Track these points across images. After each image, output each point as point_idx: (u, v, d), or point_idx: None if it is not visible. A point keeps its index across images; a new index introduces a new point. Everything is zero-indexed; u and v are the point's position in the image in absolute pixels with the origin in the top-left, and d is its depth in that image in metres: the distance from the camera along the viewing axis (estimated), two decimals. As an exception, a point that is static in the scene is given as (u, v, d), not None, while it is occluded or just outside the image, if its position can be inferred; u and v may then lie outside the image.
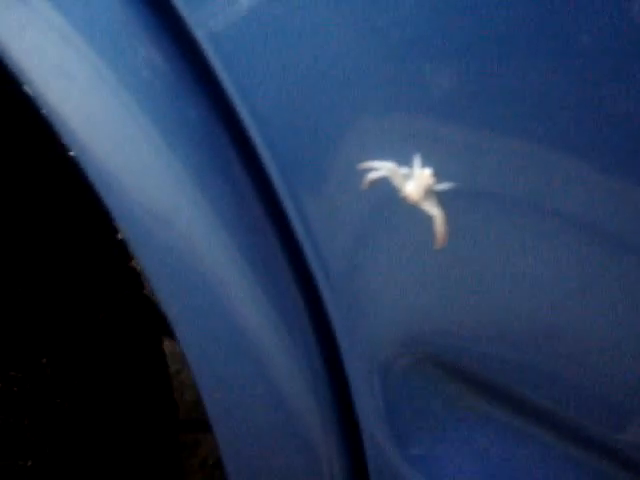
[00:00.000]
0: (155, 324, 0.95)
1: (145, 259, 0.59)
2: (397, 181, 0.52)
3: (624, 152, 0.50)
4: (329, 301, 0.57)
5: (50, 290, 0.83)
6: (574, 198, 0.52)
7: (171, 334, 0.96)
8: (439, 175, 0.51)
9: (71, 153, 0.58)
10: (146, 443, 0.95)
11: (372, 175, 0.52)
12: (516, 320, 0.56)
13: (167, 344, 0.98)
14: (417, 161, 0.51)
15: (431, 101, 0.51)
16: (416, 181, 0.51)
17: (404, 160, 0.52)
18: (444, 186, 0.52)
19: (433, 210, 0.52)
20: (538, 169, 0.52)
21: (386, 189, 0.52)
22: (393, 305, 0.56)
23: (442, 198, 0.52)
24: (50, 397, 0.84)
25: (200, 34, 0.53)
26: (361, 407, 0.59)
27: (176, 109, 0.56)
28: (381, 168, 0.52)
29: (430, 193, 0.52)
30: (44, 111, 0.56)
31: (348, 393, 0.61)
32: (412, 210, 0.52)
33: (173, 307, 0.60)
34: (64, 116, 0.56)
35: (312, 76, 0.51)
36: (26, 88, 0.56)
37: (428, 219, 0.52)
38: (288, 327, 0.60)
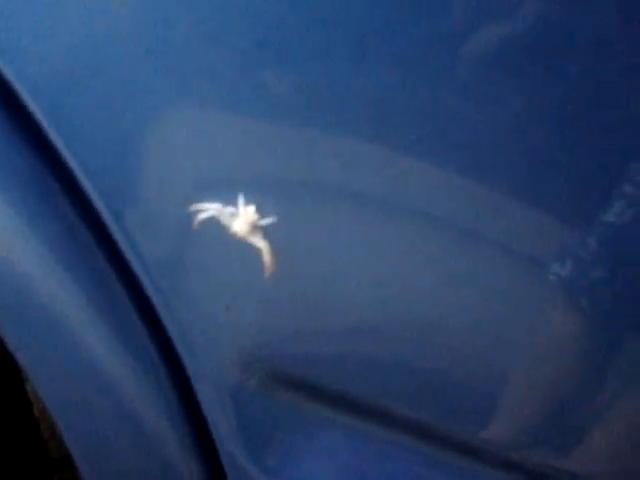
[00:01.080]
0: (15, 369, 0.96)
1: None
2: (225, 220, 0.57)
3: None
4: (172, 331, 0.62)
5: None
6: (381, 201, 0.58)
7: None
8: (262, 211, 0.57)
9: None
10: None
11: (201, 215, 0.57)
12: (338, 328, 0.62)
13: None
14: (241, 200, 0.57)
15: (247, 147, 0.57)
16: (242, 218, 0.57)
17: (231, 200, 0.57)
18: (267, 221, 0.57)
19: (259, 243, 0.57)
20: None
21: (217, 227, 0.57)
22: (232, 328, 0.62)
23: (267, 231, 0.57)
24: None
25: (19, 86, 0.57)
26: (214, 426, 0.64)
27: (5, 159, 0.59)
28: (209, 209, 0.57)
29: (256, 228, 0.57)
30: None
31: (204, 419, 0.66)
32: (242, 243, 0.57)
33: (21, 349, 0.63)
34: None
35: (133, 131, 0.56)
36: None
37: (257, 250, 0.58)
38: (135, 358, 0.64)
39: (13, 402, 0.97)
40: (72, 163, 0.57)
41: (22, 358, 0.65)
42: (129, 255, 0.61)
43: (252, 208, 0.57)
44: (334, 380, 0.64)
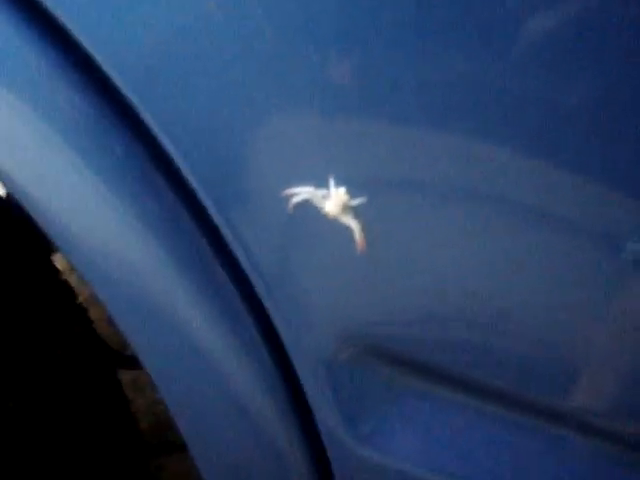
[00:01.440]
0: (109, 358, 1.01)
1: (104, 295, 0.67)
2: (317, 201, 0.61)
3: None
4: (271, 308, 0.65)
5: (12, 334, 0.89)
6: (474, 185, 0.62)
7: (124, 365, 1.03)
8: (352, 192, 0.61)
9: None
10: (114, 471, 1.02)
11: (295, 199, 0.61)
12: (432, 304, 0.65)
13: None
14: (332, 182, 0.61)
15: (336, 131, 0.60)
16: (333, 200, 0.61)
17: (322, 183, 0.61)
18: (357, 201, 0.61)
19: (351, 222, 0.61)
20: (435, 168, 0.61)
21: (310, 209, 0.61)
22: (328, 305, 0.65)
23: (358, 211, 0.61)
24: (15, 436, 0.90)
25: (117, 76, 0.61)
26: (312, 401, 0.68)
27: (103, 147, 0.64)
28: (302, 193, 0.61)
29: (347, 208, 0.61)
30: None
31: (302, 391, 0.69)
32: (335, 223, 0.61)
33: (137, 339, 0.68)
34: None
35: (233, 122, 0.60)
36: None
37: (349, 230, 0.61)
38: (241, 341, 0.68)
39: (110, 391, 1.02)
40: (175, 154, 0.61)
41: (136, 346, 0.69)
42: (231, 241, 0.64)
43: (343, 189, 0.61)
44: (427, 353, 0.67)
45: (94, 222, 0.64)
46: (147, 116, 0.61)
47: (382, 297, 0.64)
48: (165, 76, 0.60)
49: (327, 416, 0.68)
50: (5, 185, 0.65)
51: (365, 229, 0.61)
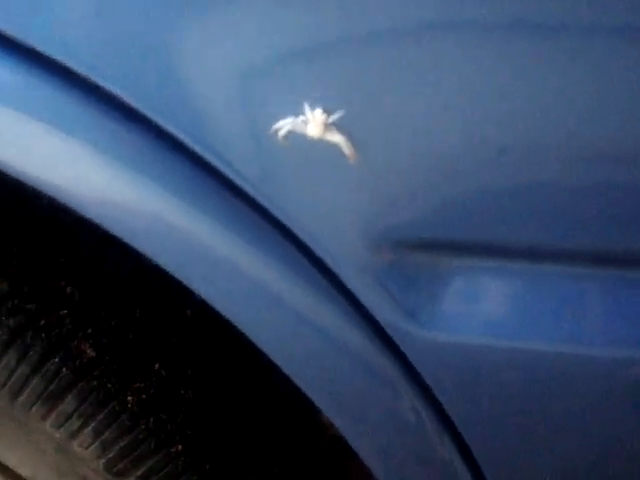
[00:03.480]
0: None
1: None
2: (300, 129, 0.65)
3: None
4: (307, 240, 0.71)
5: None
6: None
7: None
8: (329, 109, 0.65)
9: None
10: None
11: (281, 132, 0.66)
12: (441, 178, 0.68)
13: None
14: (307, 107, 0.65)
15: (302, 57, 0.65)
16: (313, 123, 0.65)
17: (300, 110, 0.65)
18: (335, 116, 0.65)
19: (335, 138, 0.65)
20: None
21: (297, 137, 0.66)
22: (350, 219, 0.70)
23: (339, 125, 0.65)
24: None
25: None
26: (371, 306, 0.73)
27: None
28: (284, 125, 0.65)
29: (327, 126, 0.65)
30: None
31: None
32: (323, 143, 0.65)
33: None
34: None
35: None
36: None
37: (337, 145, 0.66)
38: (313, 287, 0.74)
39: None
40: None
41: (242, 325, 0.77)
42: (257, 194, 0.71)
43: (318, 110, 0.65)
44: (460, 230, 0.71)
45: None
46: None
47: (394, 192, 0.68)
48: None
49: (389, 316, 0.73)
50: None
51: (352, 138, 0.65)
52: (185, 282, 0.74)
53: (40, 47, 0.67)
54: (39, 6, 0.66)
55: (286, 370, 0.78)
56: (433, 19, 0.63)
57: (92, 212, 0.72)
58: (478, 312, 0.73)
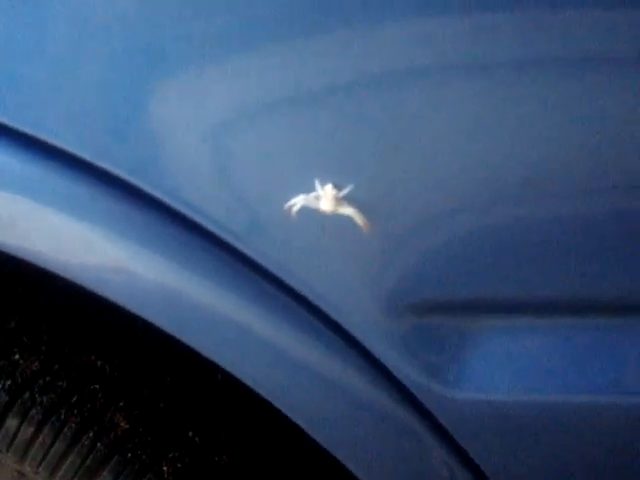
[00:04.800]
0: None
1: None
2: (313, 204, 0.66)
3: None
4: (333, 313, 0.72)
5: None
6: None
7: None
8: (339, 184, 0.66)
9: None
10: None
11: (294, 209, 0.67)
12: (455, 242, 0.69)
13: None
14: (317, 184, 0.66)
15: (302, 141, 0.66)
16: (324, 198, 0.66)
17: (311, 187, 0.66)
18: (346, 191, 0.66)
19: (347, 211, 0.66)
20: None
21: (311, 213, 0.67)
22: (371, 289, 0.71)
23: (350, 198, 0.66)
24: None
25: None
26: (400, 373, 0.73)
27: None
28: (297, 202, 0.67)
29: (339, 200, 0.66)
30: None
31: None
32: (335, 217, 0.67)
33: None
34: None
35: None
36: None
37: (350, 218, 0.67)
38: (323, 344, 0.75)
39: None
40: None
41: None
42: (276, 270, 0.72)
43: (329, 186, 0.66)
44: (480, 291, 0.71)
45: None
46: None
47: (406, 260, 0.69)
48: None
49: (417, 379, 0.73)
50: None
51: (363, 210, 0.66)
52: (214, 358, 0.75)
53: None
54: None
55: (313, 435, 0.79)
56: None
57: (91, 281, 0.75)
58: (502, 370, 0.73)
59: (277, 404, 0.76)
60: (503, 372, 0.73)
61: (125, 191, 0.69)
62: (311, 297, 0.71)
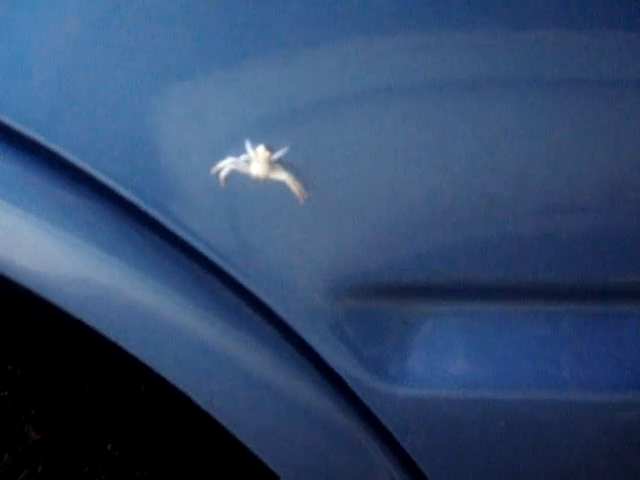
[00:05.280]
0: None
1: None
2: (242, 168, 0.60)
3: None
4: (260, 292, 0.65)
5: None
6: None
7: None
8: (272, 146, 0.60)
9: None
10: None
11: (223, 173, 0.60)
12: (401, 218, 0.63)
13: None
14: (248, 145, 0.60)
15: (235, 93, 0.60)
16: (256, 161, 0.60)
17: (241, 149, 0.60)
18: (280, 153, 0.60)
19: (282, 176, 0.60)
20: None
21: (241, 178, 0.60)
22: (305, 264, 0.64)
23: (285, 162, 0.60)
24: None
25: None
26: (332, 361, 0.66)
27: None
28: (225, 165, 0.60)
29: (272, 164, 0.60)
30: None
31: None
32: (268, 183, 0.60)
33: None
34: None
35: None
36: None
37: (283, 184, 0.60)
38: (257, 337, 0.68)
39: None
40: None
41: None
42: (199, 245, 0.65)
43: (261, 147, 0.60)
44: (423, 272, 0.65)
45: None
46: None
47: (348, 233, 0.63)
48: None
49: (354, 372, 0.67)
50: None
51: (300, 177, 0.60)
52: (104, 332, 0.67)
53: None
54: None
55: (241, 438, 0.71)
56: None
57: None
58: (451, 362, 0.67)
59: (198, 399, 0.69)
60: (449, 364, 0.67)
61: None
62: (239, 277, 0.64)
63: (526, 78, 0.58)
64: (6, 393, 0.87)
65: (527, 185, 0.62)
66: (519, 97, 0.59)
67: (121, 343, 0.68)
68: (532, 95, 0.59)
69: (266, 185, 0.60)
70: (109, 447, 0.90)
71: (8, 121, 0.61)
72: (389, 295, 0.66)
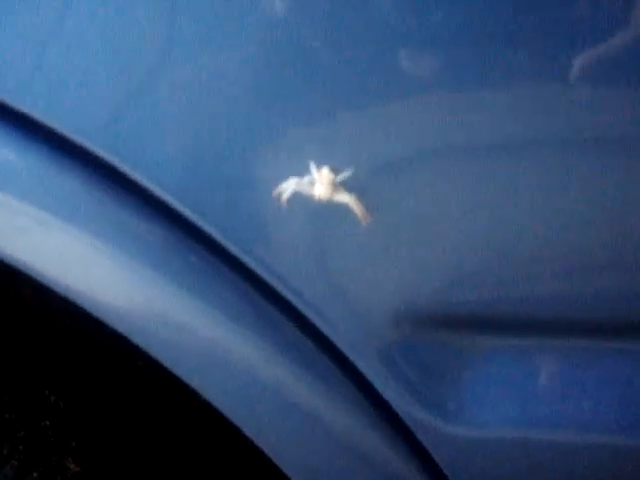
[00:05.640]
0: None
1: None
2: (306, 190, 0.59)
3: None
4: (320, 322, 0.64)
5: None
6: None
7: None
8: (337, 168, 0.59)
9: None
10: None
11: (285, 195, 0.60)
12: (468, 253, 0.61)
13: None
14: (313, 166, 0.59)
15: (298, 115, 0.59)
16: (320, 182, 0.59)
17: (305, 171, 0.59)
18: (344, 175, 0.59)
19: (345, 198, 0.59)
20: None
21: (304, 200, 0.59)
22: (366, 291, 0.63)
23: (348, 184, 0.59)
24: None
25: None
26: (391, 398, 0.64)
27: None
28: (288, 186, 0.59)
29: (336, 186, 0.59)
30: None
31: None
32: (331, 205, 0.59)
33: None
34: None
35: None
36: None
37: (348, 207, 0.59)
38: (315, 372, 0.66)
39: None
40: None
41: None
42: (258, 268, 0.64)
43: (325, 169, 0.59)
44: (484, 306, 0.64)
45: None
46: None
47: (413, 263, 0.61)
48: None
49: (410, 409, 0.64)
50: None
51: (362, 199, 0.59)
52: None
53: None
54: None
55: (286, 471, 0.69)
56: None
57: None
58: (511, 399, 0.64)
59: (239, 423, 0.67)
60: (510, 402, 0.64)
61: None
62: (295, 300, 0.63)
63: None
64: (47, 423, 0.86)
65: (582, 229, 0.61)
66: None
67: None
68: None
69: (328, 207, 0.60)
70: (148, 483, 0.88)
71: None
72: (447, 327, 0.64)
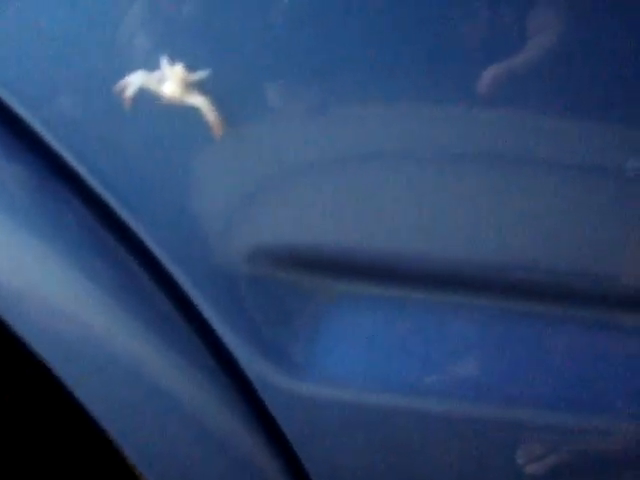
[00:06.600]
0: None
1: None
2: (154, 87, 0.52)
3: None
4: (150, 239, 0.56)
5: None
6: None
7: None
8: (191, 67, 0.51)
9: None
10: None
11: (129, 91, 0.52)
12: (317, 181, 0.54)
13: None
14: (164, 61, 0.52)
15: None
16: (171, 80, 0.52)
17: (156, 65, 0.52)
18: (200, 74, 0.52)
19: (197, 101, 0.52)
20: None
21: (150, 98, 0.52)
22: (214, 217, 0.55)
23: (203, 87, 0.52)
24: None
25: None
26: (232, 348, 0.57)
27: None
28: (134, 80, 0.52)
29: (188, 86, 0.52)
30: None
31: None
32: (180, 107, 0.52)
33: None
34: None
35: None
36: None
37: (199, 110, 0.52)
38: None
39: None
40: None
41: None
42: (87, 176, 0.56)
43: (179, 65, 0.52)
44: (346, 244, 0.56)
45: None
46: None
47: (272, 184, 0.54)
48: None
49: (251, 359, 0.57)
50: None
51: (218, 105, 0.52)
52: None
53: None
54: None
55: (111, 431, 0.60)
56: None
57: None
58: (365, 355, 0.58)
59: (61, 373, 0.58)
60: (364, 358, 0.57)
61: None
62: (132, 221, 0.55)
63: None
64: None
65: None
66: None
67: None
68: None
69: (176, 109, 0.52)
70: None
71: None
72: (304, 266, 0.56)
